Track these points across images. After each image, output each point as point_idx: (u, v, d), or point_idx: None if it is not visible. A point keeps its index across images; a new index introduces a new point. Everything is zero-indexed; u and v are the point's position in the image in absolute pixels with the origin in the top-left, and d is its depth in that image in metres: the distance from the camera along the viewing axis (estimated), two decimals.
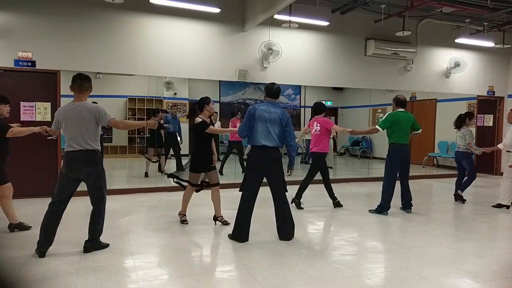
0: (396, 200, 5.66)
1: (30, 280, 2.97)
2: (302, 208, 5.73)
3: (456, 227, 5.21)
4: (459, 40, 9.10)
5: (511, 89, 10.15)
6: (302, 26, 7.67)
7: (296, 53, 7.90)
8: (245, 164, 4.25)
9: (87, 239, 3.67)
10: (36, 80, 6.19)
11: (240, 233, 4.06)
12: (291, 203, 5.25)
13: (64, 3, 6.24)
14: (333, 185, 6.00)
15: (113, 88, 10.13)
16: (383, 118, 5.51)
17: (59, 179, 3.57)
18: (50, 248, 3.53)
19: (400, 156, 5.40)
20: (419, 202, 6.25)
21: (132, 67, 6.77)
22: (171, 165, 8.71)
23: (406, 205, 5.62)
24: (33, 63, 6.10)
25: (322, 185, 5.94)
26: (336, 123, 11.41)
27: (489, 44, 9.09)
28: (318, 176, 5.93)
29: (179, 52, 7.01)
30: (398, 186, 5.59)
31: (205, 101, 4.66)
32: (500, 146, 6.09)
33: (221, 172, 8.47)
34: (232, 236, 4.11)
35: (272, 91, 4.21)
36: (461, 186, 6.57)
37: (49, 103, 6.20)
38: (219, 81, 10.63)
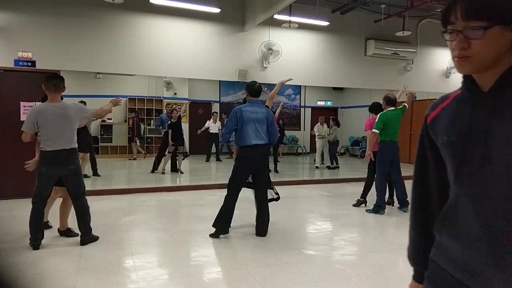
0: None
1: (30, 280, 2.97)
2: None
3: None
4: None
5: None
6: (302, 26, 7.67)
7: (296, 53, 7.90)
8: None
9: (80, 234, 3.81)
10: (36, 80, 6.18)
11: (224, 227, 4.19)
12: (362, 204, 5.68)
13: (64, 3, 6.24)
14: (333, 185, 6.01)
15: (113, 88, 10.14)
16: (376, 120, 5.55)
17: (38, 178, 3.67)
18: (50, 248, 3.57)
19: (389, 153, 5.44)
20: None
21: (132, 67, 6.77)
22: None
23: (403, 204, 5.62)
24: (33, 63, 6.10)
25: (321, 185, 5.94)
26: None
27: None
28: (318, 176, 5.93)
29: (179, 52, 7.01)
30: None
31: None
32: None
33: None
34: (217, 233, 4.16)
35: (254, 90, 4.29)
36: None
37: None
38: (219, 81, 10.67)
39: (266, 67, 7.63)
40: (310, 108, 13.25)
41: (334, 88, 12.27)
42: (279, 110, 8.68)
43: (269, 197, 4.45)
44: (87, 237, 3.80)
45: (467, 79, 0.98)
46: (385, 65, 8.75)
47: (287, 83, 5.40)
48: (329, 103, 13.86)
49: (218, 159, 11.28)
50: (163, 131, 8.64)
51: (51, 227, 4.26)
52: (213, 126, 10.81)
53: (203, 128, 10.69)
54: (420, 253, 1.12)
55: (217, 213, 4.20)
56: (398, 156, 5.57)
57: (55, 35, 6.21)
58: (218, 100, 12.71)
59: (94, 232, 3.90)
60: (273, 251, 3.78)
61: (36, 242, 3.63)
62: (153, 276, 3.14)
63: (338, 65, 8.35)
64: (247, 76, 7.46)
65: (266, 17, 6.68)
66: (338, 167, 10.13)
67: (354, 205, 5.81)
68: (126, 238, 4.11)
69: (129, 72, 7.23)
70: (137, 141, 10.66)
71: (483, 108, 0.92)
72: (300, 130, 13.38)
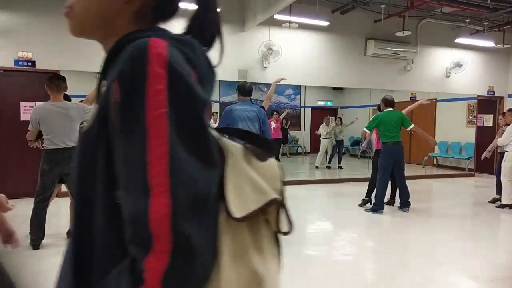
0: (396, 199, 5.66)
1: (30, 280, 2.97)
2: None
3: (456, 227, 5.21)
4: (459, 40, 9.10)
5: (511, 89, 10.15)
6: (302, 26, 7.67)
7: (296, 53, 7.90)
8: None
9: None
10: (36, 80, 6.18)
11: None
12: (367, 204, 5.64)
13: (64, 3, 6.23)
14: (333, 185, 6.01)
15: None
16: (370, 121, 5.59)
17: (41, 177, 3.68)
18: (50, 248, 3.57)
19: (392, 154, 5.43)
20: (418, 202, 6.25)
21: None
22: None
23: (404, 204, 5.62)
24: (33, 63, 6.10)
25: (321, 185, 5.94)
26: None
27: (489, 44, 9.09)
28: (318, 176, 5.93)
29: None
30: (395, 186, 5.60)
31: None
32: (499, 141, 6.02)
33: None
34: None
35: (245, 89, 4.31)
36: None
37: None
38: (219, 81, 10.67)
39: (266, 67, 7.63)
40: (310, 108, 13.24)
41: (334, 88, 12.26)
42: (284, 115, 8.99)
43: None
44: None
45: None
46: (385, 65, 8.75)
47: (285, 82, 5.43)
48: (329, 103, 13.85)
49: None
50: None
51: None
52: (213, 126, 10.80)
53: None
54: None
55: None
56: (403, 157, 5.55)
57: (55, 35, 6.21)
58: (218, 100, 12.70)
59: None
60: None
61: (36, 242, 3.65)
62: None
63: (338, 65, 8.35)
64: (247, 76, 7.46)
65: (266, 17, 6.68)
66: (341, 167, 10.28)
67: (360, 205, 5.79)
68: None
69: None
70: None
71: None
72: (300, 130, 13.38)
